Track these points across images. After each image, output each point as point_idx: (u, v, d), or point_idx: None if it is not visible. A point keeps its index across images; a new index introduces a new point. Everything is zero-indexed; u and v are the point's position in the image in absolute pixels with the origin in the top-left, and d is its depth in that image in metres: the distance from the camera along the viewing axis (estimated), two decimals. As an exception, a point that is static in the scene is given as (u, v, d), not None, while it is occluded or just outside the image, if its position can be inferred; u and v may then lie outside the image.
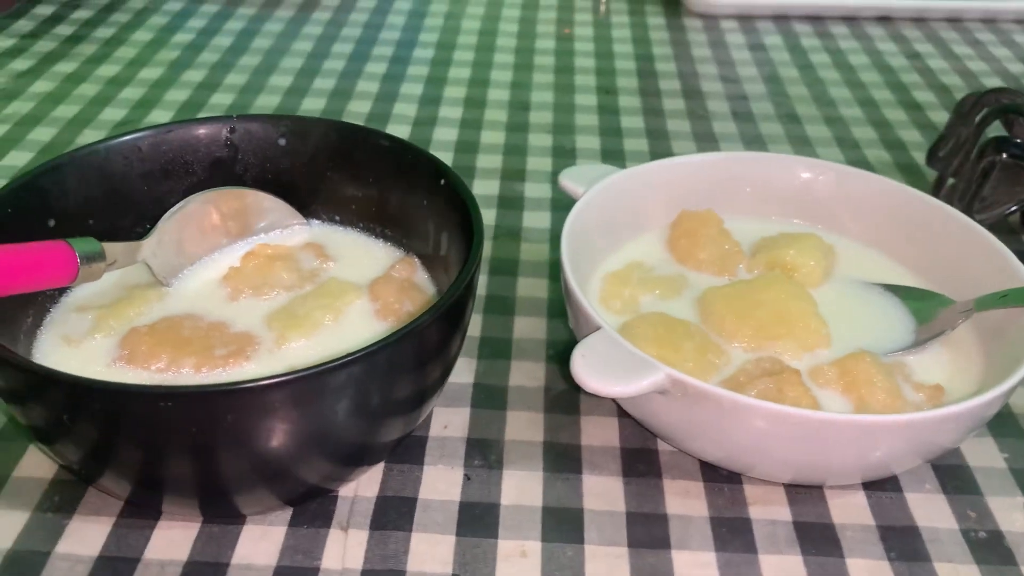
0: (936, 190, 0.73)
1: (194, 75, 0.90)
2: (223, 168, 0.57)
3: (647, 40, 1.03)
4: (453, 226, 0.52)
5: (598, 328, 0.46)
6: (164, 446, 0.40)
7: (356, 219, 0.59)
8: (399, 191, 0.56)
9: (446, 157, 0.76)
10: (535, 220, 0.70)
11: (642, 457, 0.50)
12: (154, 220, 0.56)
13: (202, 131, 0.56)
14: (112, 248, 0.48)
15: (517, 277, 0.64)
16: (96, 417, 0.39)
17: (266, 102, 0.86)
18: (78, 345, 0.49)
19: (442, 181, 0.53)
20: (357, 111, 0.85)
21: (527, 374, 0.55)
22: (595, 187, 0.57)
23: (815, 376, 0.50)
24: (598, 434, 0.51)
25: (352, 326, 0.51)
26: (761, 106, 0.89)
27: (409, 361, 0.43)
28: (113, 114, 0.82)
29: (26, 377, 0.39)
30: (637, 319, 0.53)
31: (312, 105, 0.85)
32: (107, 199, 0.54)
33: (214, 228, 0.56)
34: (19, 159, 0.75)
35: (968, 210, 0.67)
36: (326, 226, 0.59)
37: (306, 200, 0.59)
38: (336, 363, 0.38)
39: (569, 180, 0.59)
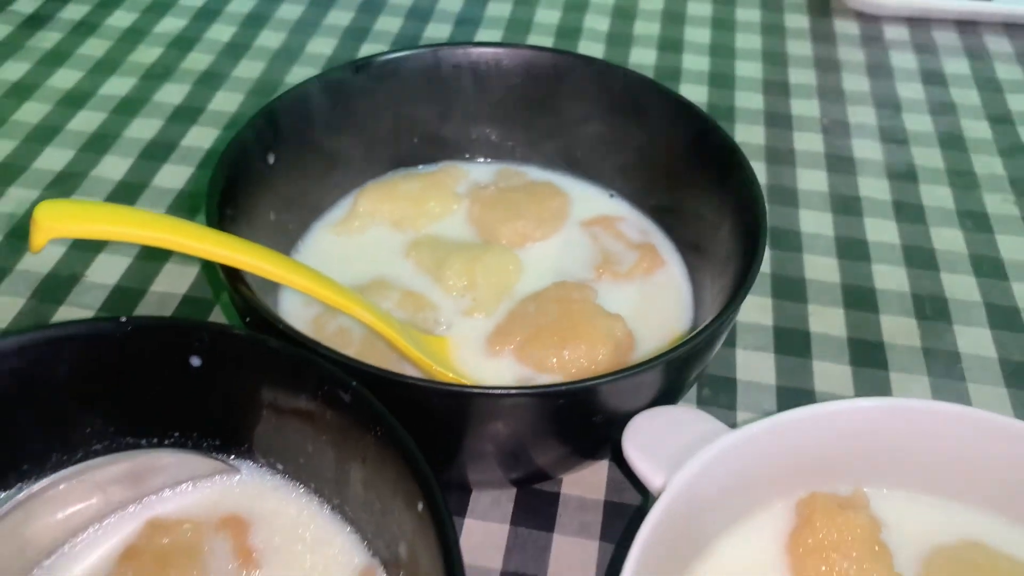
0: None
1: (172, 92, 0.68)
2: (106, 393, 0.37)
3: (781, 55, 0.76)
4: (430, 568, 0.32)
5: None
6: None
7: (306, 477, 0.38)
8: (362, 472, 0.35)
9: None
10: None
11: None
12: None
13: (69, 347, 0.36)
14: None
15: (552, 533, 0.43)
16: None
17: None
18: None
19: (420, 506, 0.32)
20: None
21: None
22: (680, 480, 0.35)
23: None
24: None
25: None
26: (936, 193, 0.63)
27: None
28: (54, 159, 0.62)
29: None
30: None
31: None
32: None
33: (83, 499, 0.36)
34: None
35: None
36: (263, 477, 0.39)
37: (234, 436, 0.39)
38: None
39: (638, 454, 0.37)
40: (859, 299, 0.55)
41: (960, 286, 0.56)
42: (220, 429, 0.39)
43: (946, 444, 0.39)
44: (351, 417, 0.35)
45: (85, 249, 0.56)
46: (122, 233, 0.36)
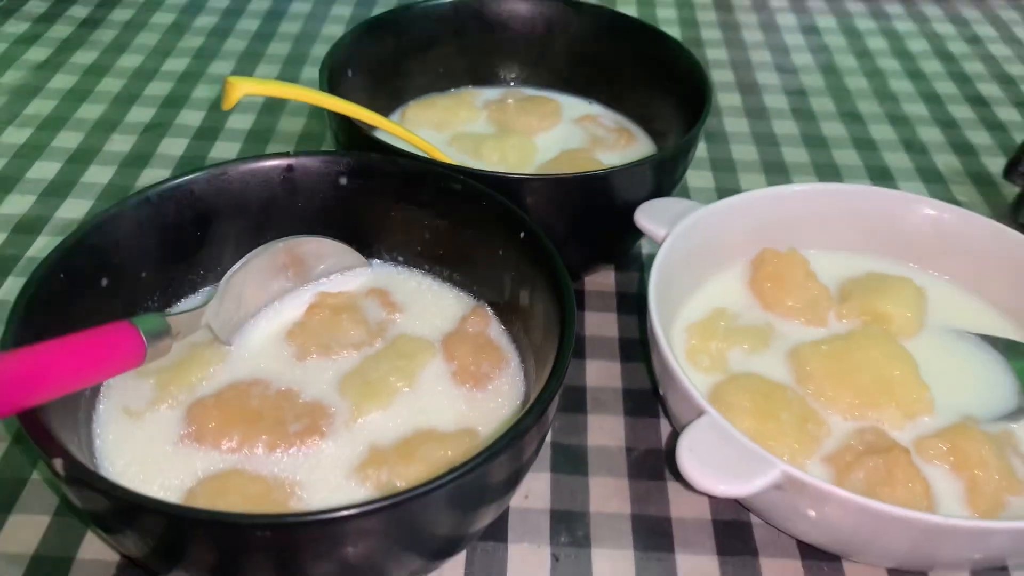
0: (1016, 208, 0.69)
1: (222, 66, 0.85)
2: (280, 208, 0.53)
3: (694, 21, 0.97)
4: (533, 281, 0.48)
5: (701, 413, 0.43)
6: (253, 563, 0.37)
7: (421, 261, 0.55)
8: (470, 237, 0.52)
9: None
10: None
11: (736, 532, 0.48)
12: (207, 267, 0.53)
13: (258, 171, 0.52)
14: (176, 320, 0.45)
15: (584, 312, 0.61)
16: (184, 538, 0.36)
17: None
18: (141, 418, 0.46)
19: (521, 234, 0.49)
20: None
21: (607, 432, 0.53)
22: (677, 230, 0.53)
23: (922, 451, 0.47)
24: (688, 504, 0.49)
25: (429, 392, 0.48)
26: (821, 102, 0.84)
27: (507, 465, 0.39)
28: (140, 114, 0.77)
29: (112, 502, 0.36)
30: (729, 383, 0.50)
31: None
32: (160, 250, 0.50)
33: (274, 277, 0.52)
34: (47, 170, 0.70)
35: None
36: (389, 267, 0.55)
37: (367, 239, 0.55)
38: (439, 483, 0.35)
39: (646, 219, 0.55)
40: (774, 169, 0.75)
41: (846, 157, 0.77)
42: (356, 235, 0.55)
43: (848, 212, 0.58)
44: (461, 198, 0.52)
45: (220, 110, 0.75)
46: (284, 92, 0.53)
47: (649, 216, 0.55)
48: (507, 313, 0.52)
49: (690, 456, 0.41)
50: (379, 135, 0.58)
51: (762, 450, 0.41)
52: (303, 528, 0.35)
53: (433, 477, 0.36)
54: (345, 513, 0.34)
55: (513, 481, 0.42)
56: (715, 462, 0.41)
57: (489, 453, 0.37)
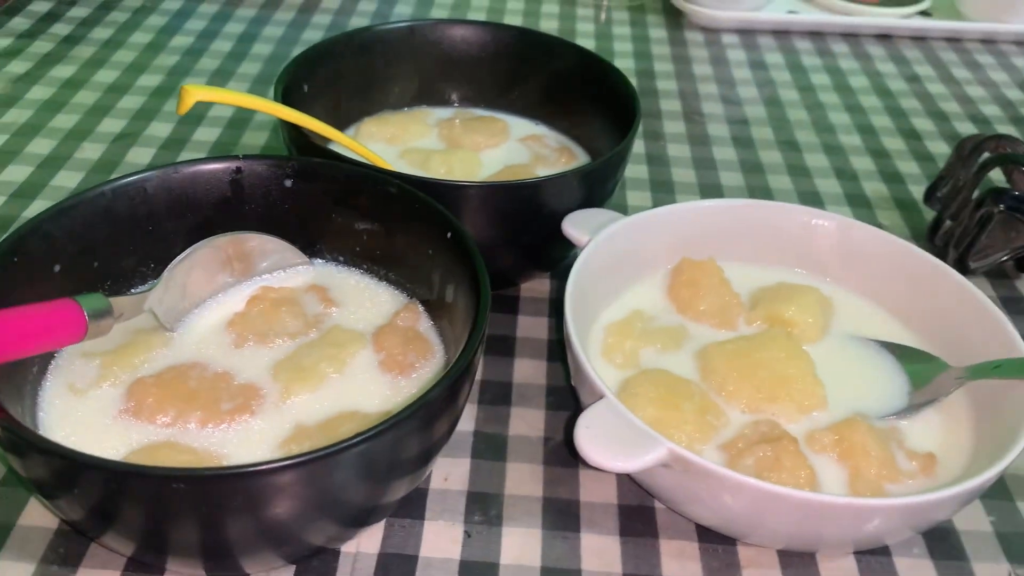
0: (933, 231, 0.74)
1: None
2: (228, 207, 0.57)
3: (648, 54, 1.02)
4: (458, 278, 0.52)
5: (601, 396, 0.47)
6: (173, 519, 0.40)
7: (359, 261, 0.59)
8: (404, 238, 0.56)
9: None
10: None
11: (639, 515, 0.51)
12: (158, 260, 0.56)
13: (208, 172, 0.56)
14: (119, 302, 0.48)
15: (517, 315, 0.64)
16: (107, 493, 0.39)
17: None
18: (84, 395, 0.49)
19: (448, 234, 0.53)
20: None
21: (528, 423, 0.56)
22: (599, 236, 0.57)
23: (811, 442, 0.51)
24: (596, 489, 0.52)
25: (357, 379, 0.52)
26: (761, 131, 0.89)
27: (415, 436, 0.43)
28: (112, 125, 0.81)
29: (43, 457, 0.39)
30: (639, 376, 0.53)
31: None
32: (112, 241, 0.54)
33: (219, 271, 0.56)
34: (18, 173, 0.74)
35: (964, 257, 0.68)
36: (329, 266, 0.59)
37: (310, 239, 0.59)
38: (346, 444, 0.39)
39: (572, 226, 0.59)
40: (710, 191, 0.79)
41: (780, 182, 0.81)
42: (300, 235, 0.59)
43: (764, 227, 0.62)
44: (396, 201, 0.55)
45: (188, 123, 0.79)
46: (236, 100, 0.57)
47: (575, 224, 0.59)
48: (436, 309, 0.56)
49: (586, 433, 0.45)
50: (333, 148, 0.63)
51: (651, 430, 0.45)
52: (217, 481, 0.38)
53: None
54: (258, 468, 0.38)
55: (424, 455, 0.46)
56: (608, 440, 0.44)
57: (397, 419, 0.40)
